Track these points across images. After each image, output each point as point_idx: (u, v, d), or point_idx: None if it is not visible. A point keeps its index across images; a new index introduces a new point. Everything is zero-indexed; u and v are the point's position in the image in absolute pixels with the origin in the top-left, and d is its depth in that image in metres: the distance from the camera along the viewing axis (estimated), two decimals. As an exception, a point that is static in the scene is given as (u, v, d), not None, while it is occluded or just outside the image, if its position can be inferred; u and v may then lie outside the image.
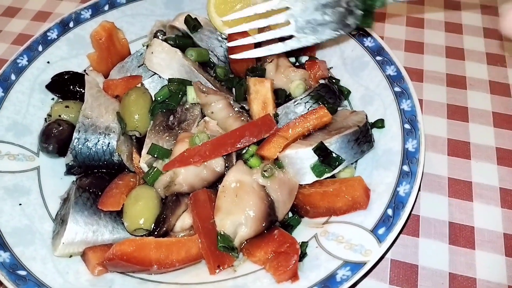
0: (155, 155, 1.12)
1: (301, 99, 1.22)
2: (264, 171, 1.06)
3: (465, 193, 1.25)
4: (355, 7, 1.05)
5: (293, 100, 1.23)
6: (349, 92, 1.32)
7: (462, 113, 1.41)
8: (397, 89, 1.23)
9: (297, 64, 1.43)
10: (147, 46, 1.29)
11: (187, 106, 1.23)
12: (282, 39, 1.15)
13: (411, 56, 1.57)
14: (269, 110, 1.20)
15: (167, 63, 1.25)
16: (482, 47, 1.59)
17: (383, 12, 1.72)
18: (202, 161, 1.08)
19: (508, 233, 1.17)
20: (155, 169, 1.11)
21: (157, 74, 1.27)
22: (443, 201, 1.24)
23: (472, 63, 1.54)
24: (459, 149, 1.34)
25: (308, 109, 1.21)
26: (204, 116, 1.22)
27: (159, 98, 1.22)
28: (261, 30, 1.21)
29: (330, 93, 1.24)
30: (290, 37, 1.10)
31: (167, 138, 1.17)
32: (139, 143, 1.24)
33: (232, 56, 1.18)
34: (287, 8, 1.07)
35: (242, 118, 1.18)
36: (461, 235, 1.17)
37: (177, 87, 1.23)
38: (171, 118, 1.22)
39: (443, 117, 1.41)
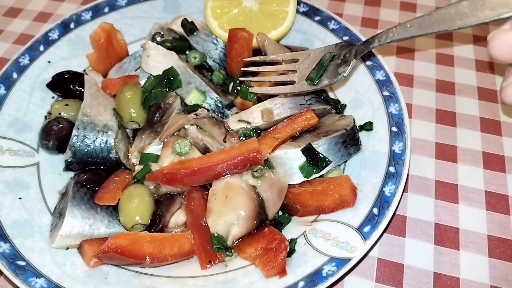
0: (146, 163, 1.16)
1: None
2: (254, 171, 1.09)
3: (451, 196, 1.28)
4: (350, 57, 1.13)
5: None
6: (338, 101, 1.35)
7: (450, 118, 1.45)
8: (385, 93, 1.27)
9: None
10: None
11: (169, 101, 1.26)
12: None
13: (402, 62, 1.61)
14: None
15: (163, 65, 1.29)
16: (472, 54, 1.63)
17: (374, 19, 1.76)
18: (182, 188, 1.12)
19: (492, 234, 1.21)
20: (144, 166, 1.15)
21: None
22: (430, 203, 1.27)
23: (461, 70, 1.58)
24: (446, 152, 1.37)
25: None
26: (185, 109, 1.25)
27: (145, 88, 1.25)
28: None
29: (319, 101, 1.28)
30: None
31: (148, 134, 1.21)
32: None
33: (254, 90, 1.25)
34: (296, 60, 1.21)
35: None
36: (446, 236, 1.21)
37: (162, 75, 1.27)
38: (157, 113, 1.25)
39: (432, 122, 1.44)
